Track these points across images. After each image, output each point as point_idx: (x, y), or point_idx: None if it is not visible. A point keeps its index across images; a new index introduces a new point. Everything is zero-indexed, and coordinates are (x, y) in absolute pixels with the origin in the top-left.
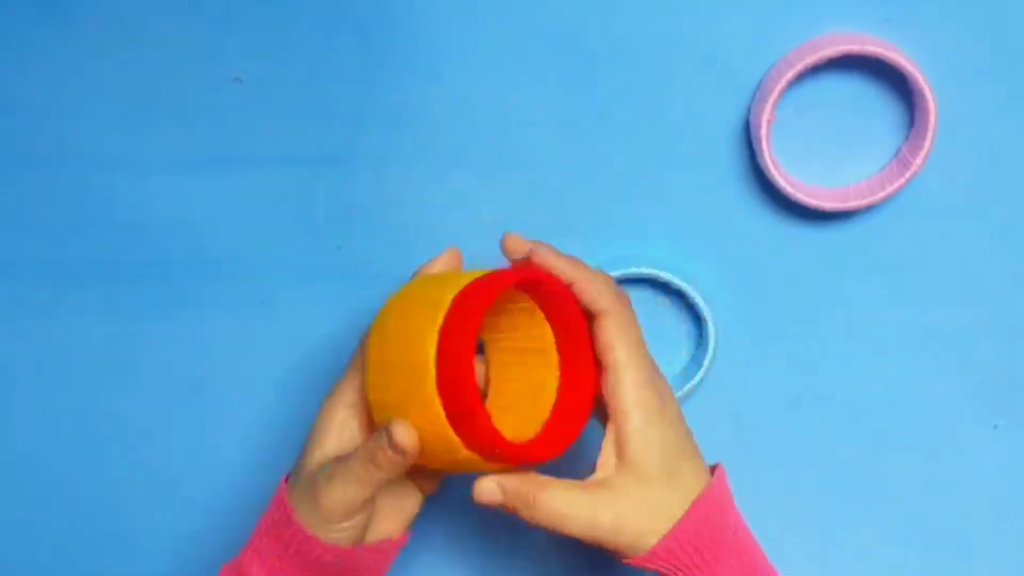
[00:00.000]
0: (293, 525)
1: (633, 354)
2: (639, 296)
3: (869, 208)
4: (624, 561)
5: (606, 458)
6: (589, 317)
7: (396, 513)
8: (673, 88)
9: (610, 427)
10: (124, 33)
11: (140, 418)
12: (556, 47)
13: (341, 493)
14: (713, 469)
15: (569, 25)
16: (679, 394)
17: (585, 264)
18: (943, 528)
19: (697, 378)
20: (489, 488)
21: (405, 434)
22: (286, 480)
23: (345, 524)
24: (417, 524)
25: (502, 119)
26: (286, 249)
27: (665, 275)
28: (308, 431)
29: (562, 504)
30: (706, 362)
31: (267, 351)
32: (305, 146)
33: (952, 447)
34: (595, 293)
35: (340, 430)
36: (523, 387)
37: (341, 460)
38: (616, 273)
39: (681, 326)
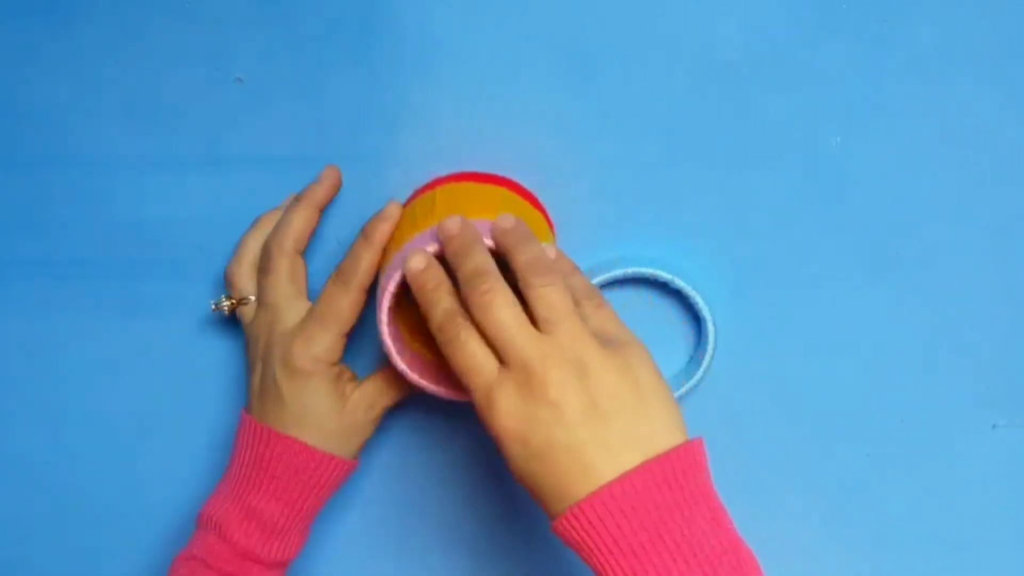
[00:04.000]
0: (273, 437)
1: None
2: (639, 296)
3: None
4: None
5: None
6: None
7: (350, 436)
8: (673, 88)
9: None
10: (124, 33)
11: (138, 417)
12: (556, 47)
13: (328, 309)
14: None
15: (569, 25)
16: (679, 394)
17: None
18: (942, 528)
19: (697, 378)
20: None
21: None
22: (245, 412)
23: (323, 363)
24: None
25: (502, 119)
26: None
27: (665, 275)
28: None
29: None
30: (706, 362)
31: None
32: (305, 146)
33: (951, 447)
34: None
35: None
36: None
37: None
38: (616, 273)
39: (681, 326)
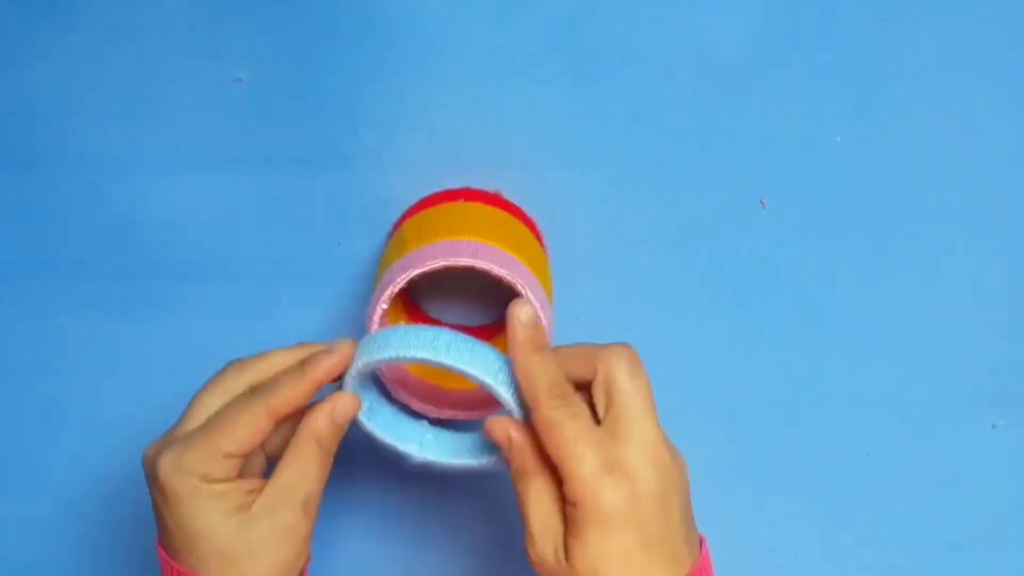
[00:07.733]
0: (168, 569)
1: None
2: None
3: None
4: None
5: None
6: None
7: (267, 552)
8: (673, 88)
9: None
10: (124, 33)
11: (139, 418)
12: (556, 47)
13: (244, 418)
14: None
15: (569, 25)
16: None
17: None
18: (942, 528)
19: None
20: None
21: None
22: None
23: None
24: None
25: (502, 119)
26: (286, 249)
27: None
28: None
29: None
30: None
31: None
32: (305, 146)
33: (950, 447)
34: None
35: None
36: None
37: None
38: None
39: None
